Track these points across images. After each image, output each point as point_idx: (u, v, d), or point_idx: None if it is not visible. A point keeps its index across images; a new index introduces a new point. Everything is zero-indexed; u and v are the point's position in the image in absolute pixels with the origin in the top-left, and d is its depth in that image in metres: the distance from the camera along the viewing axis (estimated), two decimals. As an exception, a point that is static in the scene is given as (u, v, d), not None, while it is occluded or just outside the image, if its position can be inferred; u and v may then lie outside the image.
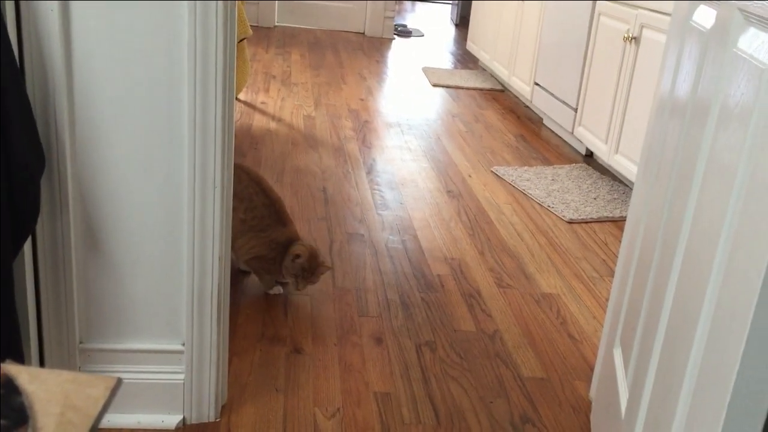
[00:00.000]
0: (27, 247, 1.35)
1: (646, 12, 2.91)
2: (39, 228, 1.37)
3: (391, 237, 2.51)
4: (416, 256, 2.38)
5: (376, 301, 2.09)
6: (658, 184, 1.32)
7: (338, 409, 1.61)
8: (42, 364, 1.45)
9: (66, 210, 1.37)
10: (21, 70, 1.27)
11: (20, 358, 1.26)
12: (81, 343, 1.47)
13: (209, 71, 1.32)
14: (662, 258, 1.20)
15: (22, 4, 1.24)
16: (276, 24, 6.64)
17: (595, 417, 1.60)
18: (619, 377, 1.41)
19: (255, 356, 1.77)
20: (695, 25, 1.23)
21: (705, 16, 1.19)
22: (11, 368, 0.51)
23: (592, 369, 1.86)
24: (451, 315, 2.05)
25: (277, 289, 2.06)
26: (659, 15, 2.80)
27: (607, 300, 2.23)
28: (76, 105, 1.32)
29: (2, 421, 0.45)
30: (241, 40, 3.60)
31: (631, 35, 3.00)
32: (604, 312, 2.15)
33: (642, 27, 2.94)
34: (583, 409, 1.70)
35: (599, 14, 3.39)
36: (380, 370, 1.77)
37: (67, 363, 1.46)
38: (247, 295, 2.06)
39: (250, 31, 3.63)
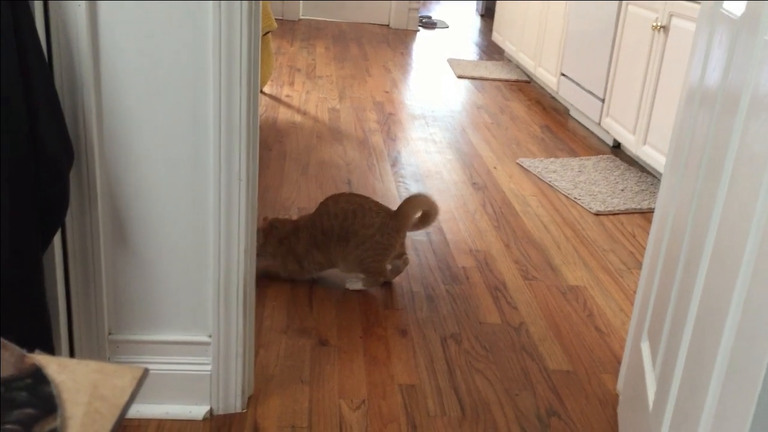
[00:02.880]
0: (57, 239, 1.37)
1: (674, 0, 2.87)
2: (68, 221, 1.38)
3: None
4: (441, 249, 2.38)
5: (401, 293, 2.09)
6: (687, 175, 1.30)
7: (363, 401, 1.61)
8: (72, 354, 1.48)
9: (95, 203, 1.38)
10: (49, 65, 1.29)
11: (50, 350, 1.28)
12: (110, 334, 1.49)
13: (234, 65, 1.32)
14: (691, 249, 1.18)
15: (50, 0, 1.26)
16: (301, 17, 6.65)
17: (623, 410, 1.59)
18: (646, 370, 1.40)
19: (281, 348, 1.78)
20: (725, 12, 1.21)
21: (735, 4, 1.17)
22: (40, 358, 0.52)
23: (619, 362, 1.84)
24: (477, 307, 2.05)
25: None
26: (688, 3, 2.75)
27: (634, 292, 2.20)
28: (104, 99, 1.34)
29: (31, 410, 0.46)
30: (265, 34, 3.61)
31: (659, 24, 2.96)
32: (632, 304, 2.13)
33: (671, 15, 2.89)
34: (610, 402, 1.69)
35: (627, 3, 3.34)
36: (405, 362, 1.77)
37: (97, 354, 1.48)
38: (272, 287, 2.07)
39: (275, 25, 3.65)
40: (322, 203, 2.10)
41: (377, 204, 2.08)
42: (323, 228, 2.04)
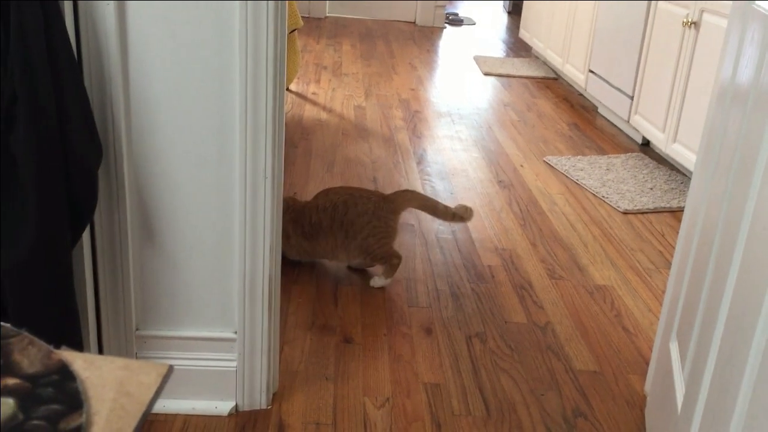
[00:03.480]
0: (86, 236, 1.39)
1: (706, -4, 2.82)
2: (97, 218, 1.40)
3: (441, 227, 2.50)
4: (466, 247, 2.37)
5: (425, 291, 2.08)
6: (718, 174, 1.28)
7: (388, 399, 1.61)
8: (100, 350, 1.50)
9: (123, 200, 1.40)
10: (79, 64, 1.30)
11: (79, 345, 1.30)
12: (137, 329, 1.50)
13: (260, 62, 1.33)
14: (722, 249, 1.16)
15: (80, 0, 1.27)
16: (327, 14, 6.67)
17: (650, 412, 1.57)
18: (675, 371, 1.38)
19: (305, 345, 1.79)
20: (758, 8, 1.19)
21: (769, -1, 1.14)
22: (67, 354, 0.53)
23: (647, 363, 1.82)
24: (502, 306, 2.03)
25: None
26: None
27: (663, 292, 2.17)
28: (132, 98, 1.35)
29: (57, 406, 0.47)
30: (291, 32, 3.62)
31: (690, 20, 2.91)
32: (660, 304, 2.10)
33: (702, 11, 2.85)
34: (637, 404, 1.67)
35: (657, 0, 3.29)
36: (430, 360, 1.77)
37: (125, 349, 1.50)
38: (297, 284, 2.08)
39: (301, 22, 3.66)
40: (315, 196, 2.15)
41: (368, 191, 2.12)
42: (311, 220, 2.08)
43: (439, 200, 2.18)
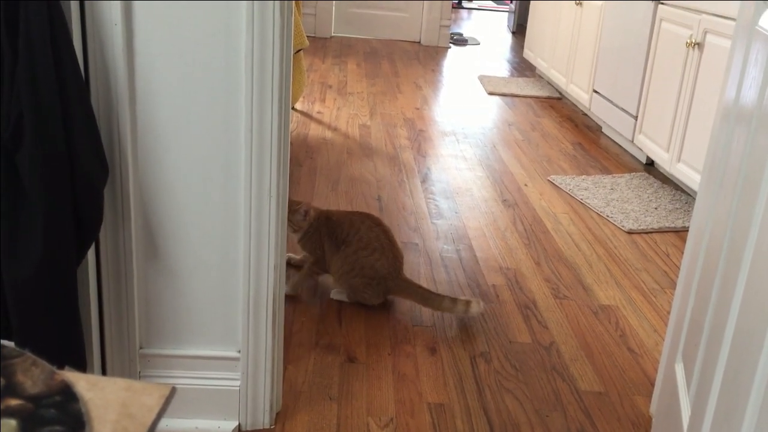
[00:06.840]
0: (90, 254, 1.39)
1: (709, 17, 2.83)
2: (102, 236, 1.40)
3: (445, 246, 2.49)
4: (471, 266, 2.36)
5: (430, 310, 2.08)
6: (723, 194, 1.28)
7: (391, 419, 1.60)
8: (104, 368, 1.49)
9: (128, 218, 1.40)
10: (86, 82, 1.31)
11: (83, 363, 1.29)
12: (141, 348, 1.50)
13: (266, 82, 1.34)
14: (727, 269, 1.15)
15: (88, 19, 1.29)
16: (333, 34, 6.71)
17: (656, 433, 1.56)
18: (680, 393, 1.37)
19: (309, 364, 1.78)
20: (761, 30, 1.19)
21: (772, 20, 1.15)
22: (70, 375, 0.53)
23: (652, 384, 1.80)
24: (507, 326, 2.03)
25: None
26: (723, 20, 2.71)
27: (668, 313, 2.16)
28: (138, 116, 1.36)
29: (60, 428, 0.47)
30: (297, 51, 3.65)
31: (694, 41, 2.92)
32: (665, 325, 2.09)
33: (705, 32, 2.86)
34: (643, 426, 1.65)
35: (661, 19, 3.31)
36: (434, 380, 1.76)
37: (128, 368, 1.49)
38: (301, 304, 2.07)
39: (307, 43, 3.68)
40: (357, 218, 2.08)
41: (395, 254, 2.05)
42: (336, 236, 2.05)
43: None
